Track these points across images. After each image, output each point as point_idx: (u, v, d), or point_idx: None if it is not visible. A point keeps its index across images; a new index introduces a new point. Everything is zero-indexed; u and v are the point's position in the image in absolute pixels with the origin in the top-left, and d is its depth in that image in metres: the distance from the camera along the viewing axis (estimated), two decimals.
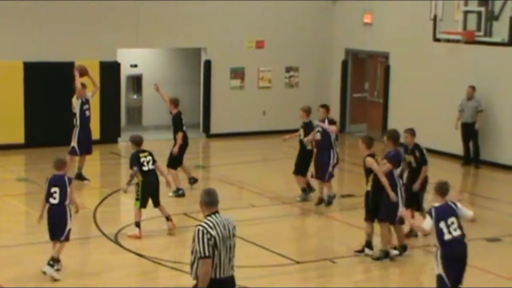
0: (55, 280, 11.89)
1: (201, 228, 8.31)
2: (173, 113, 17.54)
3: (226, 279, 8.49)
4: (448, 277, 10.38)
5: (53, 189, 11.98)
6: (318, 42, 25.62)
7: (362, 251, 13.55)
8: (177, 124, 17.48)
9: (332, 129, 16.34)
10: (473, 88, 20.85)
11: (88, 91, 18.37)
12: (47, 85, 21.97)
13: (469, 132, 21.00)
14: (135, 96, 25.28)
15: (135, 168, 14.19)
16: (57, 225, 12.05)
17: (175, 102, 17.56)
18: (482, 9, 16.20)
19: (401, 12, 23.41)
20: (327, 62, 25.83)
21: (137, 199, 14.33)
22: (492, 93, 20.91)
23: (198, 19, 23.85)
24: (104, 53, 22.61)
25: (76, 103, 18.06)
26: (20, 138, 21.80)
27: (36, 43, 21.94)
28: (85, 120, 18.17)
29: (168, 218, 14.69)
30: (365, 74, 25.83)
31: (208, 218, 8.42)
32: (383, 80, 24.43)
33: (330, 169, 16.42)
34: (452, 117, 21.18)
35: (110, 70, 22.70)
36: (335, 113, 25.14)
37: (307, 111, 16.89)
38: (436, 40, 17.50)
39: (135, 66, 25.03)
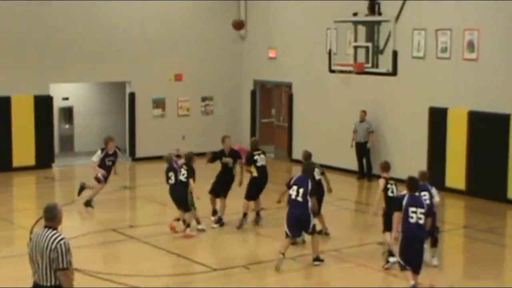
0: None
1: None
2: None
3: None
4: None
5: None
6: (229, 75, 25.78)
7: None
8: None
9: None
10: (364, 112, 21.26)
11: None
12: None
13: (362, 150, 21.40)
14: (67, 126, 24.95)
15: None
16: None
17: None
18: (369, 44, 16.56)
19: (300, 47, 23.74)
20: (238, 92, 25.98)
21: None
22: (381, 116, 21.37)
23: (122, 56, 23.74)
24: (38, 88, 22.28)
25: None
26: None
27: None
28: None
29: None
30: (271, 101, 26.05)
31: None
32: (287, 106, 24.70)
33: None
34: (348, 137, 21.55)
35: (43, 103, 22.40)
36: (246, 136, 25.39)
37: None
38: (332, 71, 17.77)
39: (67, 99, 24.71)
